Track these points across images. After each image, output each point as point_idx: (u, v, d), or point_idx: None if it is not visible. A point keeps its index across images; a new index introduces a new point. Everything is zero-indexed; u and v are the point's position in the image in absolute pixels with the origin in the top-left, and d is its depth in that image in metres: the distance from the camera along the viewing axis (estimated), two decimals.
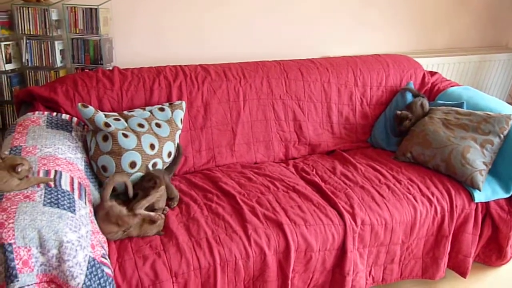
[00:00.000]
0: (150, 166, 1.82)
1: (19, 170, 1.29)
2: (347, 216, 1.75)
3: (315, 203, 1.82)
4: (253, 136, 2.28)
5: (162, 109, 1.97)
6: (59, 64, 2.31)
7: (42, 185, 1.32)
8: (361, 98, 2.51)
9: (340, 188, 1.94)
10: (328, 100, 2.44)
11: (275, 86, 2.33)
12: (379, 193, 1.91)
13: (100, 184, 1.77)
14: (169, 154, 1.91)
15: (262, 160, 2.28)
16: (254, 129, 2.29)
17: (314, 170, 2.15)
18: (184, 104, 2.06)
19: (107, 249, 1.43)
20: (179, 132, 1.99)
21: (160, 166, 1.87)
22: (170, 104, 2.03)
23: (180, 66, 2.25)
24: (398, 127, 2.34)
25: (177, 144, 1.81)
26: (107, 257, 1.36)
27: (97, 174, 1.77)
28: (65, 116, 1.86)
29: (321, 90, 2.42)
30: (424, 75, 2.65)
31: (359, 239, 1.76)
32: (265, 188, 1.91)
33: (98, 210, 1.51)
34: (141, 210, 1.54)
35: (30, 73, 2.32)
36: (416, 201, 1.89)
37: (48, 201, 1.25)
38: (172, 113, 1.96)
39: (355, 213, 1.77)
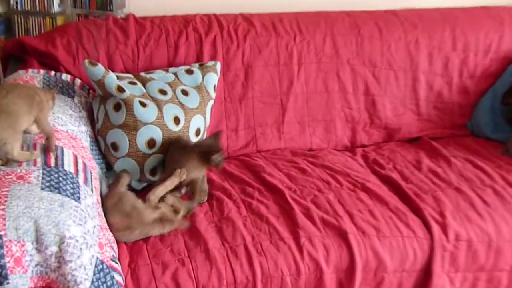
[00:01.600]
0: None
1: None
2: (435, 228, 1.73)
3: (392, 207, 1.80)
4: (309, 114, 2.27)
5: (190, 72, 1.98)
6: (56, 8, 2.37)
7: (39, 163, 1.38)
8: (460, 67, 2.45)
9: (427, 189, 1.92)
10: (415, 68, 2.38)
11: (342, 46, 2.30)
12: (481, 198, 1.88)
13: (108, 167, 1.82)
14: (198, 132, 1.93)
15: (320, 147, 2.27)
16: (311, 104, 2.27)
17: (391, 163, 2.12)
18: (219, 65, 2.07)
19: (117, 250, 1.47)
20: (211, 102, 2.00)
21: None
22: (200, 65, 2.04)
23: (214, 15, 2.26)
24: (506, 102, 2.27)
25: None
26: (117, 261, 1.41)
27: (105, 154, 1.82)
28: (66, 77, 1.90)
29: (406, 53, 2.38)
30: None
31: (451, 259, 1.73)
32: (324, 183, 1.91)
33: (106, 200, 1.56)
34: (156, 200, 1.61)
35: (19, 20, 2.39)
36: None
37: (47, 184, 1.30)
38: (203, 77, 1.98)
39: (446, 224, 1.75)
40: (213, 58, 2.15)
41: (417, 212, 1.80)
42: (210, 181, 1.90)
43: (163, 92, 1.86)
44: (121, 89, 1.75)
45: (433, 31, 2.42)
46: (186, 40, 2.13)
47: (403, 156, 2.17)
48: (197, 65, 2.05)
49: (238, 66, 2.18)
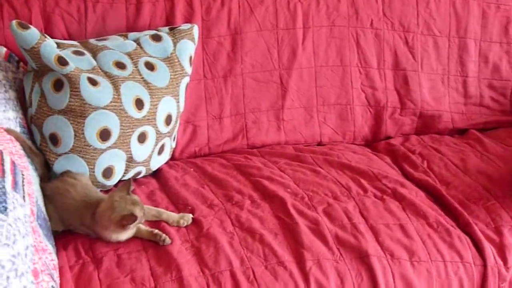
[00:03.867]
0: (134, 139, 1.84)
1: None
2: (489, 249, 1.73)
3: (432, 222, 1.80)
4: (318, 95, 2.28)
5: (157, 38, 1.98)
6: None
7: None
8: None
9: (477, 197, 1.93)
10: (462, 32, 2.40)
11: (363, 2, 2.31)
12: None
13: (47, 167, 1.80)
14: (168, 120, 1.92)
15: (332, 139, 2.29)
16: (321, 82, 2.28)
17: (425, 162, 2.14)
18: (196, 30, 2.06)
19: (58, 279, 1.45)
20: (186, 80, 1.99)
21: (151, 138, 1.89)
22: (171, 29, 2.03)
23: None
24: None
25: None
26: None
27: (42, 149, 1.80)
28: None
29: (450, 12, 2.38)
30: None
31: None
32: (342, 189, 1.91)
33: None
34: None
35: None
36: None
37: None
38: (174, 45, 1.97)
39: (504, 244, 1.75)
40: (189, 20, 2.14)
41: (465, 228, 1.79)
42: (185, 186, 1.89)
43: (120, 65, 1.84)
44: (62, 62, 1.72)
45: None
46: None
47: (442, 153, 2.18)
48: (166, 29, 2.04)
49: (222, 31, 2.18)
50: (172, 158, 2.12)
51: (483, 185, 1.99)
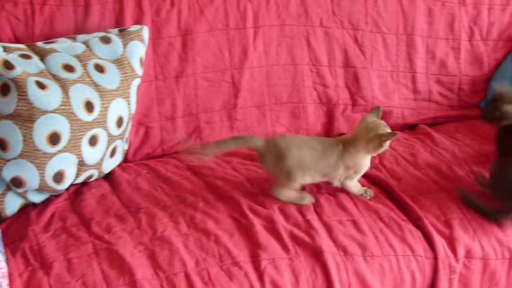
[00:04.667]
0: (85, 143, 1.82)
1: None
2: (440, 242, 1.75)
3: (383, 217, 1.81)
4: (270, 94, 2.29)
5: (106, 40, 1.96)
6: None
7: None
8: (470, 27, 2.49)
9: (427, 191, 1.95)
10: (410, 29, 2.42)
11: (312, 1, 2.32)
12: None
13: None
14: (120, 122, 1.91)
15: None
16: (272, 81, 2.29)
17: (377, 158, 2.14)
18: (146, 31, 2.04)
19: (7, 283, 1.44)
20: (137, 81, 1.98)
21: (103, 141, 1.87)
22: (121, 31, 2.01)
23: None
24: None
25: None
26: None
27: None
28: None
29: (398, 10, 2.41)
30: None
31: (461, 284, 1.76)
32: None
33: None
34: None
35: None
36: None
37: None
38: (124, 47, 1.95)
39: (454, 237, 1.77)
40: (139, 21, 2.12)
41: (416, 222, 1.81)
42: (137, 189, 1.89)
43: (69, 68, 1.82)
44: (9, 65, 1.70)
45: None
46: None
47: (394, 148, 2.19)
48: (116, 31, 2.02)
49: (172, 32, 2.17)
50: (125, 160, 2.11)
51: (433, 179, 2.02)
